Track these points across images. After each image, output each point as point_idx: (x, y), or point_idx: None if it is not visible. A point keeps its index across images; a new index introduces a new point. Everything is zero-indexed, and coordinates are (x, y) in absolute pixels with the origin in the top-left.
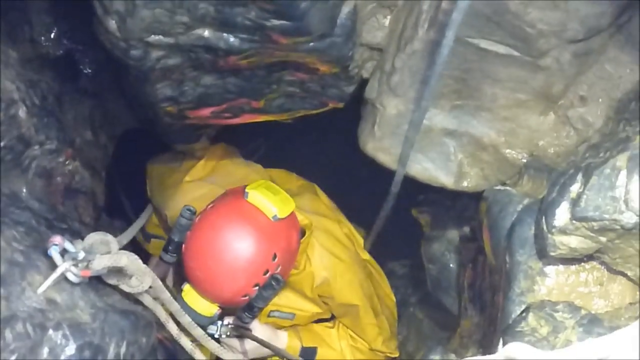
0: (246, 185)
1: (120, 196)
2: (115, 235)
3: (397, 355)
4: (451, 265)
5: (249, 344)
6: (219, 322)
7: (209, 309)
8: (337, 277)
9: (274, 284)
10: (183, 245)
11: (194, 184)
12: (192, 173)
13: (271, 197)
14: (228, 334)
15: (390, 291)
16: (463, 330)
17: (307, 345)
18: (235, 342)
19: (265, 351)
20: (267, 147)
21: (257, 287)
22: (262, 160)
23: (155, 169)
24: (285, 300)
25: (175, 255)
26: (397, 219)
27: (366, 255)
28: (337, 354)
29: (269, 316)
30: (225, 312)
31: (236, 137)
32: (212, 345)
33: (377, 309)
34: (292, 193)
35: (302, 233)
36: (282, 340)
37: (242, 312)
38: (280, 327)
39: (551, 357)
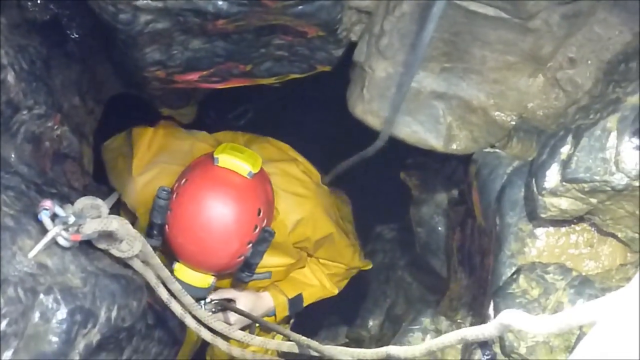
0: (212, 152)
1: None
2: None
3: (371, 266)
4: (440, 228)
5: (234, 316)
6: (202, 302)
7: (205, 280)
8: (307, 214)
9: (267, 236)
10: (167, 225)
11: (145, 167)
12: (138, 156)
13: (240, 156)
14: (213, 310)
15: (347, 198)
16: (452, 293)
17: (292, 296)
18: (220, 316)
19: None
20: (254, 112)
21: (250, 245)
22: (249, 124)
23: (108, 152)
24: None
25: (160, 238)
26: (385, 183)
27: (326, 188)
28: (318, 289)
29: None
30: (220, 277)
31: (223, 102)
32: (201, 314)
33: (345, 230)
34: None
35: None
36: (267, 300)
37: (240, 273)
38: (260, 289)
39: (545, 323)
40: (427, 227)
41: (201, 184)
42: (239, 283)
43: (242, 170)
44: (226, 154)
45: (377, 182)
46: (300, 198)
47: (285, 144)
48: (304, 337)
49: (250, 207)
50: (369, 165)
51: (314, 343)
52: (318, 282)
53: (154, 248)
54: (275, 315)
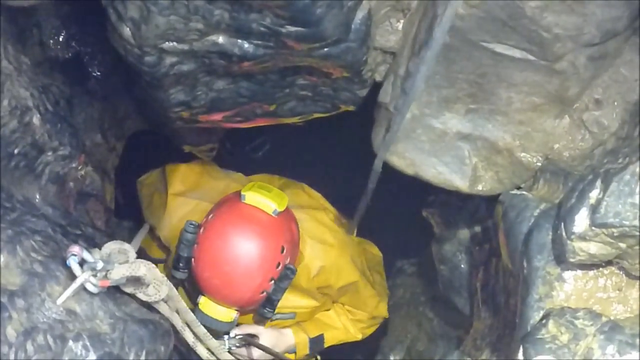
0: (240, 190)
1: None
2: (125, 236)
3: (387, 316)
4: (462, 266)
5: (257, 351)
6: (226, 336)
7: (228, 314)
8: (331, 262)
9: (289, 274)
10: (192, 260)
11: (179, 202)
12: (172, 191)
13: (266, 194)
14: (237, 345)
15: (378, 251)
16: (476, 331)
17: (314, 335)
18: (243, 351)
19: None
20: (272, 144)
21: (273, 281)
22: (266, 157)
23: (143, 188)
24: (283, 301)
25: (186, 271)
26: (407, 219)
27: (354, 238)
28: (341, 332)
29: (271, 320)
30: (243, 312)
31: (240, 133)
32: (226, 357)
33: (370, 280)
34: None
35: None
36: (289, 337)
37: (262, 308)
38: (284, 327)
39: None
40: (449, 264)
41: (227, 220)
42: (261, 319)
43: (268, 208)
44: (253, 192)
45: (399, 217)
46: (327, 246)
47: (318, 192)
48: None
49: (274, 244)
50: (391, 201)
51: None
52: (342, 326)
53: (180, 281)
54: (295, 352)
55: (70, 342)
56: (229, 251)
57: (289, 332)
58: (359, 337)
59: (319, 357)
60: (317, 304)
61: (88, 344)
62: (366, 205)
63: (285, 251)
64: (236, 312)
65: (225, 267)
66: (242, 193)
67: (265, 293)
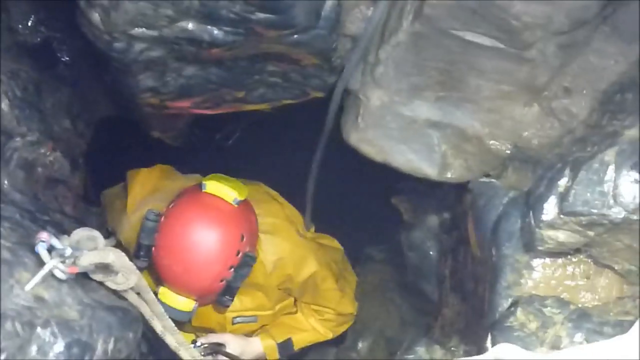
0: (200, 182)
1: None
2: (93, 222)
3: (354, 312)
4: (431, 252)
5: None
6: (192, 344)
7: (187, 304)
8: (286, 256)
9: (249, 261)
10: (154, 247)
11: (138, 204)
12: (132, 195)
13: (227, 183)
14: (202, 353)
15: (338, 244)
16: (444, 318)
17: (281, 340)
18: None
19: None
20: (242, 132)
21: (232, 269)
22: (236, 144)
23: (106, 198)
24: (243, 304)
25: (146, 259)
26: (376, 207)
27: (310, 233)
28: (311, 333)
29: (233, 324)
30: (202, 302)
31: (210, 122)
32: (193, 352)
33: (336, 273)
34: None
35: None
36: (256, 345)
37: (221, 297)
38: (249, 333)
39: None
40: (418, 251)
41: (188, 208)
42: (221, 308)
43: (228, 196)
44: (214, 181)
45: (368, 204)
46: (281, 240)
47: (275, 191)
48: None
49: (233, 232)
50: (359, 188)
51: None
52: (311, 327)
53: (140, 269)
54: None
55: (39, 329)
56: (189, 238)
57: (256, 340)
58: (330, 336)
59: None
60: (277, 305)
61: (56, 330)
62: (313, 181)
63: (244, 239)
64: (195, 301)
65: (185, 254)
66: (203, 182)
67: (224, 281)
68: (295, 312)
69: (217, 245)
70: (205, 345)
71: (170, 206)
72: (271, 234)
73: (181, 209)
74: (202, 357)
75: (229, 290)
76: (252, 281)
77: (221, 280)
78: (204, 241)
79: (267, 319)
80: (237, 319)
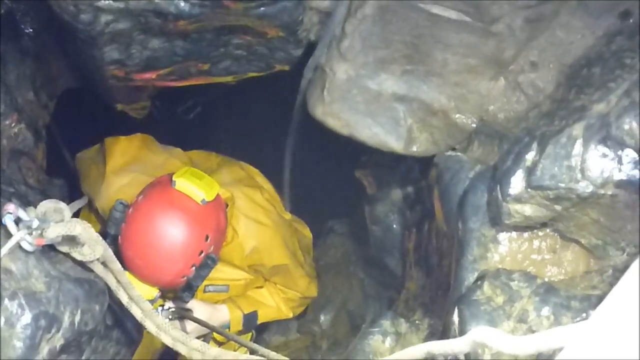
0: (172, 174)
1: (63, 154)
2: (56, 194)
3: (316, 295)
4: (395, 226)
5: (191, 325)
6: (160, 308)
7: (150, 292)
8: (264, 242)
9: (209, 263)
10: (119, 237)
11: (117, 174)
12: (111, 163)
13: (197, 182)
14: (170, 317)
15: (309, 232)
16: (408, 292)
17: (248, 312)
18: (176, 323)
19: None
20: (203, 106)
21: (194, 268)
22: (197, 119)
23: (81, 162)
24: (217, 273)
25: (112, 247)
26: (339, 180)
27: (288, 216)
28: (274, 310)
29: (205, 292)
30: (164, 292)
31: (172, 95)
32: (159, 321)
33: (301, 261)
34: (212, 170)
35: (225, 206)
36: (224, 313)
37: (182, 292)
38: (218, 302)
39: (522, 343)
40: (382, 225)
41: (156, 204)
42: (180, 302)
43: (196, 196)
44: (184, 179)
45: (331, 178)
46: (261, 226)
47: (256, 169)
48: (263, 349)
49: (198, 232)
50: (323, 160)
51: (273, 354)
52: (274, 304)
53: None
54: (229, 328)
55: (6, 301)
56: (153, 234)
57: (224, 308)
58: (290, 315)
59: (254, 333)
60: (249, 277)
61: (23, 302)
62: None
63: (209, 240)
64: (158, 290)
65: (148, 250)
66: (174, 179)
67: (185, 278)
68: (262, 287)
69: (180, 243)
70: (172, 309)
71: (139, 198)
72: (253, 220)
73: (148, 204)
74: (167, 326)
75: (189, 288)
76: (227, 259)
77: (182, 277)
78: (167, 239)
79: (239, 289)
80: (210, 287)
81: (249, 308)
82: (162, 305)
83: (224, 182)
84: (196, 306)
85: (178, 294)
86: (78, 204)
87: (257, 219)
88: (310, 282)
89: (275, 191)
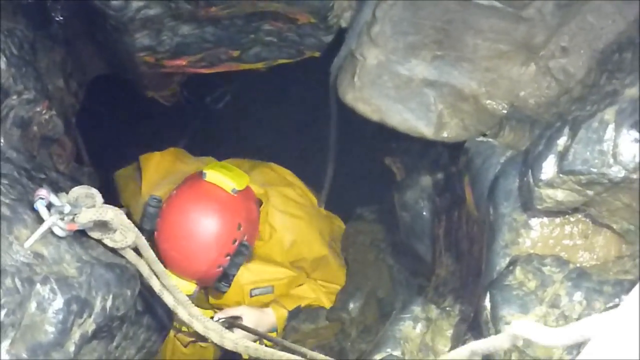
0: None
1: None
2: (85, 181)
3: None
4: (424, 213)
5: (240, 333)
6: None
7: (188, 287)
8: (302, 234)
9: (243, 250)
10: (155, 232)
11: (153, 188)
12: (146, 178)
13: (227, 173)
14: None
15: (342, 223)
16: (438, 278)
17: (291, 308)
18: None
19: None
20: (232, 95)
21: (228, 257)
22: (227, 108)
23: (120, 179)
24: (260, 275)
25: (148, 242)
26: (368, 166)
27: (321, 210)
28: (314, 300)
29: (251, 296)
30: (202, 285)
31: (201, 84)
32: (193, 311)
33: (338, 252)
34: (245, 172)
35: (260, 204)
36: (270, 315)
37: (218, 282)
38: (264, 305)
39: (560, 335)
40: (411, 211)
41: (188, 196)
42: (218, 293)
43: (227, 186)
44: (214, 170)
45: (360, 164)
46: (296, 219)
47: (287, 169)
48: (312, 352)
49: (230, 221)
50: (353, 147)
51: (320, 357)
52: (315, 296)
53: None
54: (277, 330)
55: (38, 285)
56: (187, 226)
57: (270, 311)
58: (328, 305)
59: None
60: (292, 274)
61: (55, 287)
62: (333, 170)
63: (242, 228)
64: (196, 285)
65: (183, 241)
66: (204, 171)
67: (221, 268)
68: (303, 284)
69: (214, 233)
70: (223, 320)
71: (172, 193)
72: (288, 215)
73: (181, 197)
74: (200, 314)
75: (225, 277)
76: (269, 257)
77: (218, 267)
78: (201, 229)
79: (282, 289)
80: (255, 290)
81: (293, 305)
82: (212, 317)
83: (256, 181)
84: (245, 312)
85: (215, 285)
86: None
87: (292, 212)
88: (345, 272)
89: (306, 188)
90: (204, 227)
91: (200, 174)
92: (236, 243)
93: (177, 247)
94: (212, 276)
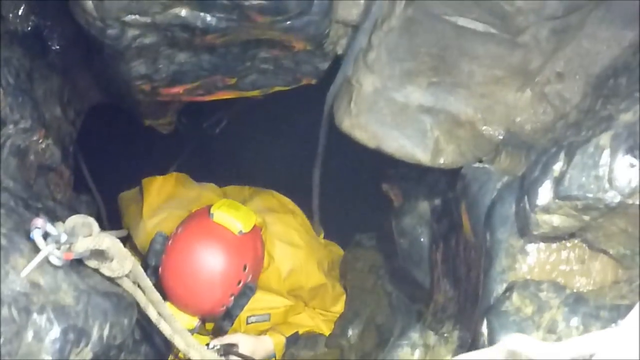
0: (210, 207)
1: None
2: (83, 210)
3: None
4: (422, 239)
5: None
6: (205, 347)
7: (190, 321)
8: (300, 263)
9: (247, 292)
10: (160, 268)
11: (154, 211)
12: (148, 201)
13: (235, 213)
14: (218, 355)
15: (341, 251)
16: (437, 304)
17: (289, 335)
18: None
19: None
20: (229, 120)
21: (232, 297)
22: (223, 133)
23: (123, 201)
24: (257, 303)
25: (153, 278)
26: (366, 192)
27: (321, 239)
28: (313, 327)
29: (247, 323)
30: (205, 321)
31: (197, 110)
32: (190, 340)
33: (337, 279)
34: (245, 200)
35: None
36: (268, 342)
37: (222, 321)
38: (261, 333)
39: (556, 350)
40: (409, 237)
41: (194, 235)
42: (220, 331)
43: (234, 227)
44: (222, 210)
45: (358, 191)
46: (295, 248)
47: (287, 197)
48: None
49: (236, 262)
50: (350, 174)
51: None
52: (314, 324)
53: None
54: (275, 357)
55: (35, 315)
56: (193, 265)
57: (267, 338)
58: (327, 333)
59: None
60: (289, 303)
61: (52, 316)
62: (319, 201)
63: (247, 269)
64: (198, 320)
65: (189, 280)
66: (212, 211)
67: (225, 307)
68: (301, 312)
69: (219, 274)
70: (218, 347)
71: (179, 230)
72: (287, 244)
73: (188, 235)
74: (197, 343)
75: (229, 316)
76: (266, 285)
77: (222, 307)
78: (207, 269)
79: (279, 317)
80: (251, 318)
81: (290, 332)
82: (207, 344)
83: (257, 210)
84: (241, 340)
85: (218, 322)
86: (118, 233)
87: (291, 241)
88: (344, 300)
89: (305, 217)
90: (210, 268)
91: (207, 213)
92: (241, 284)
93: (182, 286)
94: (216, 314)
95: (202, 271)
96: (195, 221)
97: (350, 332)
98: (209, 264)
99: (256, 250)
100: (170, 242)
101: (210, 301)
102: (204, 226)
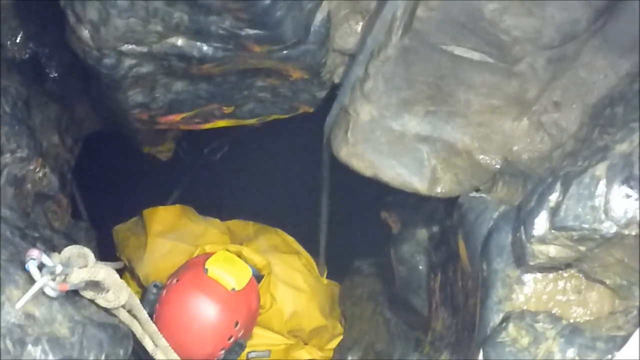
0: (206, 259)
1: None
2: (82, 237)
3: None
4: (420, 267)
5: None
6: None
7: None
8: (302, 307)
9: (237, 349)
10: (154, 316)
11: (158, 242)
12: (152, 231)
13: (229, 269)
14: None
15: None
16: (434, 332)
17: None
18: None
19: None
20: (230, 146)
21: (223, 351)
22: (224, 159)
23: (119, 234)
24: (258, 339)
25: None
26: (365, 220)
27: (325, 281)
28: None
29: (247, 359)
30: None
31: (198, 136)
32: None
33: (337, 318)
34: (249, 238)
35: (261, 278)
36: None
37: None
38: None
39: None
40: (407, 265)
41: (188, 289)
42: None
43: (228, 284)
44: (216, 266)
45: (357, 217)
46: (298, 291)
47: (292, 237)
48: None
49: (228, 318)
50: (349, 201)
51: None
52: (313, 358)
53: None
54: None
55: (30, 346)
56: (184, 318)
57: None
58: None
59: None
60: (289, 342)
61: (47, 348)
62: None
63: (238, 325)
64: None
65: (179, 333)
66: (206, 267)
67: (217, 359)
68: (302, 349)
69: (210, 329)
70: None
71: (173, 282)
72: (291, 286)
73: (182, 288)
74: None
75: None
76: (267, 324)
77: (214, 358)
78: (198, 324)
79: (280, 354)
80: (251, 353)
81: None
82: None
83: (261, 249)
84: None
85: None
86: (113, 267)
87: (294, 284)
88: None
89: (310, 257)
90: (201, 323)
91: (202, 266)
92: (232, 340)
93: (174, 337)
94: None
95: (194, 326)
96: (189, 274)
97: (349, 359)
98: (201, 319)
99: (250, 305)
100: (164, 292)
101: (200, 354)
102: (198, 280)
